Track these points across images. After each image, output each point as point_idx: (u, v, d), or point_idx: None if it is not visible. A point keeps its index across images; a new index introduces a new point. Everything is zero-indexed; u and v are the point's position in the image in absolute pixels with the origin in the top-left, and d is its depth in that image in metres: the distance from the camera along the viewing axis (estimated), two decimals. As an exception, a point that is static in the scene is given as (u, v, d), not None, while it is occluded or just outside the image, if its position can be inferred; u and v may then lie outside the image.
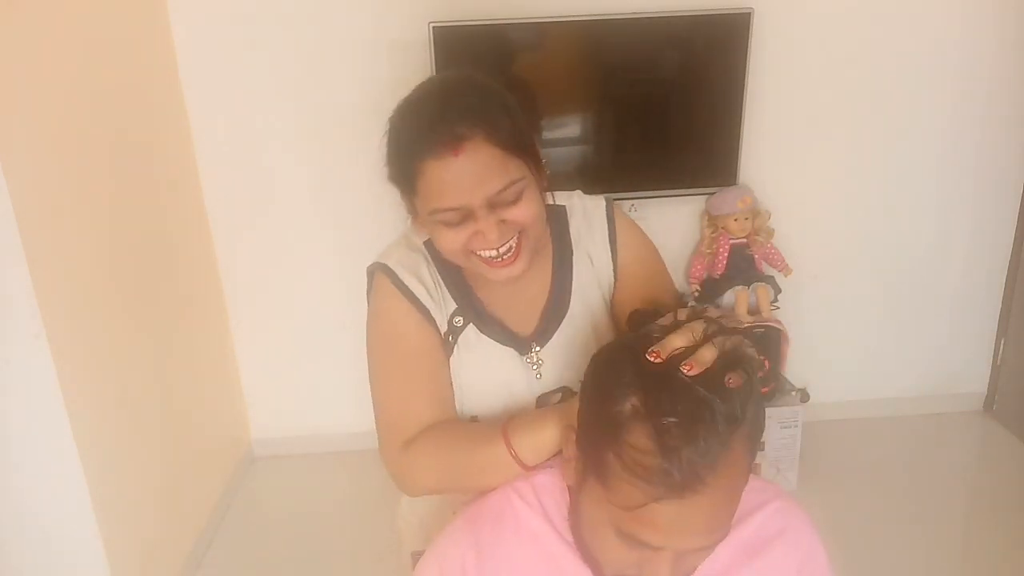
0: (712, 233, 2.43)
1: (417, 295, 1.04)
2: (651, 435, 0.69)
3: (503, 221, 0.93)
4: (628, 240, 1.12)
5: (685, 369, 0.70)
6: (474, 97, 0.93)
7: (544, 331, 1.09)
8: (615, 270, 1.11)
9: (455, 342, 1.07)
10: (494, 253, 0.95)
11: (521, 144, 0.94)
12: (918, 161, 2.51)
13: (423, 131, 0.91)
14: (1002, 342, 2.71)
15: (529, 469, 0.92)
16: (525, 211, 0.94)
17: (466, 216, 0.93)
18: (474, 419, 1.09)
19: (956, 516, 2.34)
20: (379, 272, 1.08)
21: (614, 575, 0.79)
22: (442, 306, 1.06)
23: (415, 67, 2.25)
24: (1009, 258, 2.64)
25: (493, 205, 0.93)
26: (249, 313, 2.55)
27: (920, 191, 2.54)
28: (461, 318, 1.07)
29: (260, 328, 2.57)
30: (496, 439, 0.93)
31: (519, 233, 0.96)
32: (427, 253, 1.08)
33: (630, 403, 0.72)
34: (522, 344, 1.08)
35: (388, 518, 2.29)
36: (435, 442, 1.00)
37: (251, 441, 2.70)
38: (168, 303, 2.15)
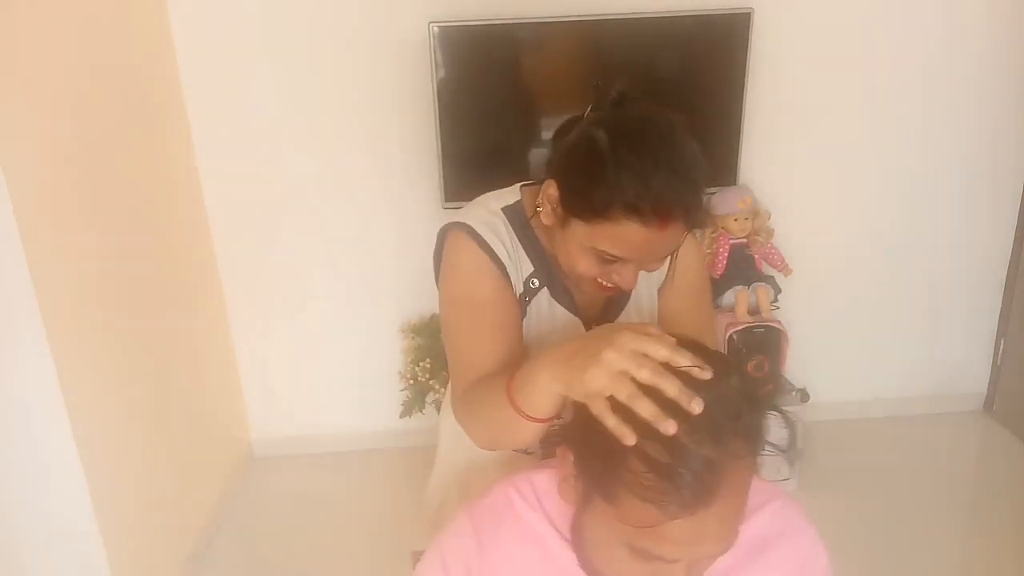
0: (712, 233, 2.43)
1: (496, 251, 1.06)
2: (655, 457, 0.68)
3: (630, 277, 1.00)
4: (689, 251, 1.16)
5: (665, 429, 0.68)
6: (691, 166, 0.99)
7: (607, 313, 1.15)
8: (671, 270, 1.15)
9: (529, 302, 1.11)
10: (612, 286, 1.02)
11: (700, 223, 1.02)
12: (918, 161, 2.51)
13: (645, 190, 0.93)
14: (1002, 342, 2.71)
15: (542, 421, 0.86)
16: (662, 263, 1.04)
17: (618, 258, 0.98)
18: None
19: (956, 516, 2.34)
20: (456, 229, 1.09)
21: None
22: (519, 267, 1.09)
23: (415, 67, 2.25)
24: (1009, 258, 2.64)
25: (643, 267, 1.01)
26: (249, 313, 2.55)
27: (920, 191, 2.54)
28: (537, 280, 1.11)
29: (260, 328, 2.57)
30: (503, 396, 0.88)
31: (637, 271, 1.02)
32: (505, 218, 1.10)
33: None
34: (586, 321, 1.14)
35: (388, 518, 2.30)
36: (475, 394, 0.99)
37: (251, 441, 2.70)
38: (168, 303, 2.15)
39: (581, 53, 2.29)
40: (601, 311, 1.14)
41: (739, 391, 0.72)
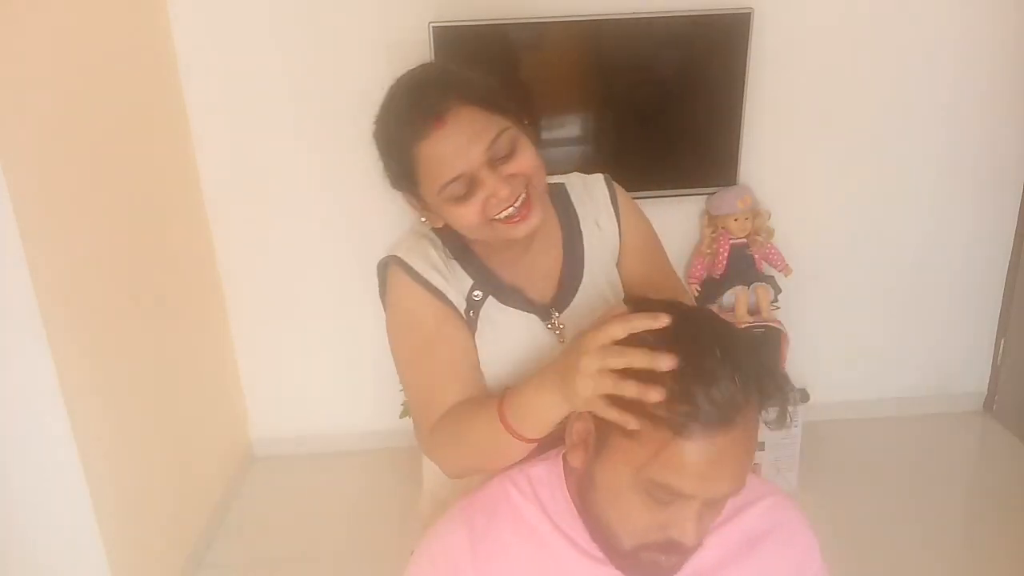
0: (712, 233, 2.43)
1: (429, 279, 1.06)
2: (675, 387, 0.72)
3: (510, 176, 0.96)
4: (628, 209, 1.19)
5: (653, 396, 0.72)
6: (438, 74, 1.01)
7: (562, 297, 1.13)
8: (620, 234, 1.17)
9: (477, 316, 1.09)
10: (511, 210, 0.98)
11: (499, 102, 0.98)
12: (918, 161, 2.51)
13: (405, 122, 0.97)
14: (1002, 342, 2.71)
15: (533, 442, 0.89)
16: (525, 160, 0.98)
17: (471, 184, 0.96)
18: (507, 390, 1.07)
19: (956, 516, 2.34)
20: (391, 264, 1.10)
21: (635, 545, 0.79)
22: (457, 285, 1.08)
23: (415, 67, 2.25)
24: (1009, 258, 2.64)
25: (493, 163, 0.96)
26: (249, 313, 2.55)
27: (920, 191, 2.54)
28: (480, 292, 1.09)
29: (260, 328, 2.57)
30: (495, 420, 0.90)
31: (527, 185, 0.99)
32: (434, 237, 1.11)
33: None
34: (543, 311, 1.11)
35: (388, 518, 2.30)
36: (449, 424, 1.01)
37: (251, 441, 2.70)
38: (168, 303, 2.15)
39: (581, 53, 2.29)
40: (556, 295, 1.12)
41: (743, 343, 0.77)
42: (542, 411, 0.85)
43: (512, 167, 0.97)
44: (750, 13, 2.22)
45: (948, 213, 2.58)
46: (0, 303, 1.53)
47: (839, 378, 2.72)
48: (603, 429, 0.79)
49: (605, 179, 1.20)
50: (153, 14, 2.18)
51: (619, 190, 1.19)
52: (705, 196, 2.45)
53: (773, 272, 2.46)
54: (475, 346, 1.09)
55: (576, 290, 1.13)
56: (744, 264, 2.41)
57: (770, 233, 2.45)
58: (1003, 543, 2.17)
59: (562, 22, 2.21)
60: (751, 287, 2.39)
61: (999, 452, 2.62)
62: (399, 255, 1.09)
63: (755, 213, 2.41)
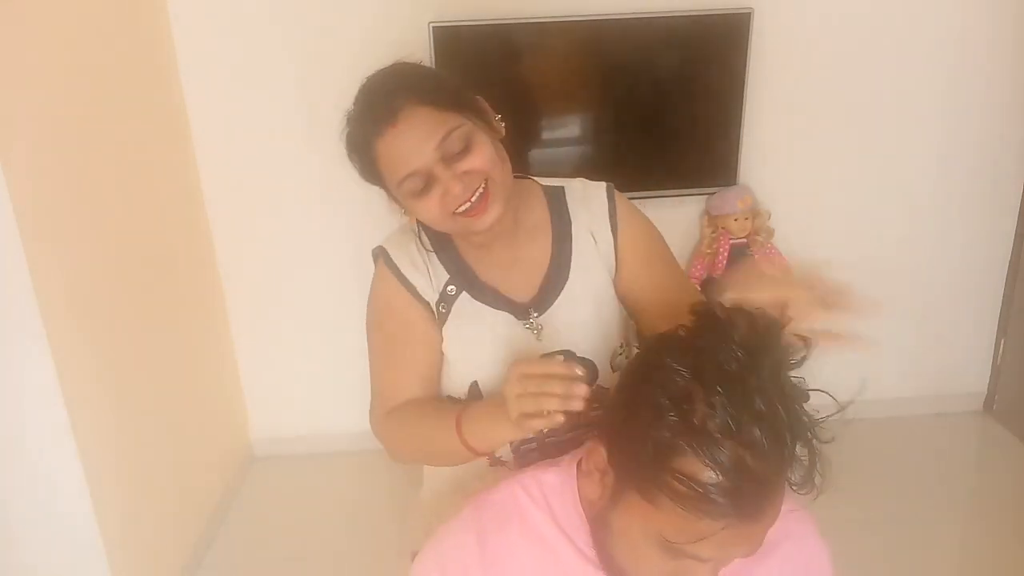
0: (712, 233, 2.43)
1: (405, 273, 1.12)
2: (709, 467, 0.69)
3: (464, 173, 1.00)
4: (628, 221, 1.18)
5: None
6: (394, 76, 1.06)
7: (543, 299, 1.14)
8: (616, 249, 1.16)
9: (448, 310, 1.12)
10: (468, 205, 1.01)
11: (454, 100, 1.02)
12: (918, 161, 2.51)
13: (364, 123, 1.03)
14: (1002, 342, 2.71)
15: (480, 455, 1.01)
16: (479, 156, 1.01)
17: (428, 180, 1.00)
18: (474, 384, 1.15)
19: (956, 516, 2.34)
20: (378, 255, 1.17)
21: None
22: (432, 279, 1.12)
23: (415, 67, 2.25)
24: (1009, 258, 2.64)
25: (447, 160, 0.99)
26: (249, 313, 2.55)
27: (920, 191, 2.54)
28: (454, 287, 1.13)
29: (260, 328, 2.57)
30: (451, 428, 1.01)
31: (485, 181, 1.02)
32: (418, 231, 1.15)
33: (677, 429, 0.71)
34: (519, 310, 1.13)
35: (388, 518, 2.30)
36: (405, 419, 1.12)
37: (251, 441, 2.70)
38: (168, 303, 2.15)
39: (581, 53, 2.29)
40: (537, 296, 1.13)
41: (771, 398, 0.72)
42: (492, 431, 0.97)
43: (466, 164, 1.00)
44: (750, 13, 2.22)
45: (948, 213, 2.57)
46: (0, 303, 1.53)
47: (839, 378, 2.71)
48: (622, 480, 0.77)
49: (607, 189, 1.19)
50: (153, 14, 2.17)
51: (621, 201, 1.18)
52: (705, 196, 2.45)
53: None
54: (440, 344, 1.13)
55: (559, 292, 1.13)
56: (744, 264, 2.40)
57: (770, 233, 2.45)
58: (1003, 543, 2.17)
59: (562, 22, 2.21)
60: (751, 287, 2.39)
61: (999, 452, 2.62)
62: (385, 246, 1.16)
63: (755, 213, 2.41)
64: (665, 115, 2.36)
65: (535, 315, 1.12)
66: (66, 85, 1.72)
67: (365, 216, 2.43)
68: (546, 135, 2.32)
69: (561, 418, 0.84)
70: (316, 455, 2.66)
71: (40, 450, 1.64)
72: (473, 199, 1.01)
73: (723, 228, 2.40)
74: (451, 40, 2.17)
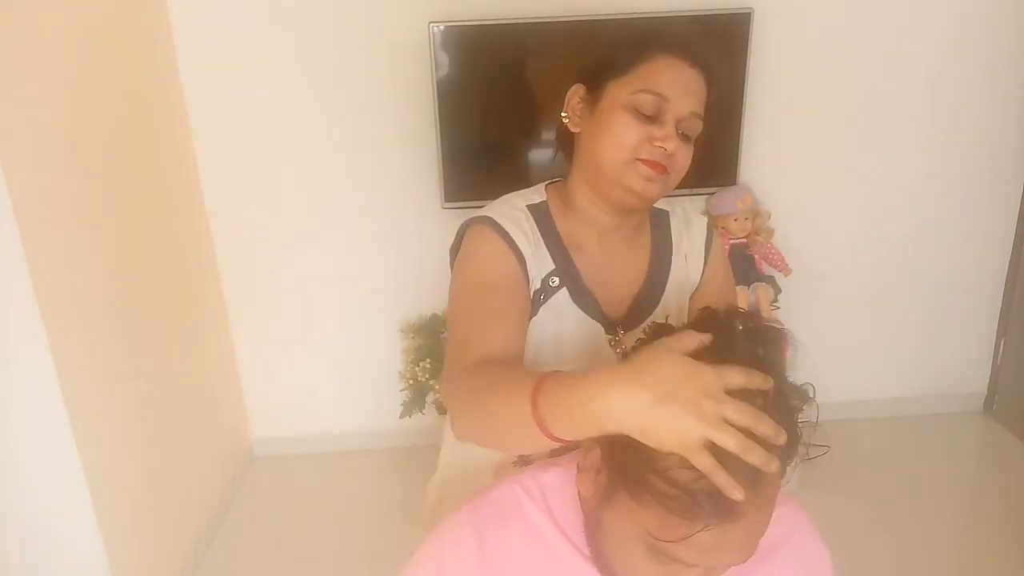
0: (712, 233, 2.42)
1: (517, 241, 1.05)
2: (682, 479, 0.69)
3: (673, 152, 1.03)
4: (717, 258, 1.20)
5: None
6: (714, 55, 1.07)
7: (633, 317, 1.12)
8: (702, 277, 1.18)
9: (544, 301, 1.08)
10: (661, 155, 1.02)
11: (709, 111, 1.07)
12: (918, 161, 2.51)
13: (679, 35, 1.06)
14: (1002, 342, 2.71)
15: (560, 442, 0.76)
16: (686, 156, 1.06)
17: (657, 115, 1.02)
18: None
19: (956, 516, 2.34)
20: (477, 223, 1.08)
21: None
22: (539, 263, 1.07)
23: (415, 67, 2.25)
24: (1009, 258, 2.64)
25: (679, 126, 1.03)
26: (249, 313, 2.55)
27: (920, 191, 2.54)
28: (557, 279, 1.08)
29: (260, 328, 2.57)
30: (525, 396, 0.76)
31: (666, 177, 1.05)
32: (530, 214, 1.10)
33: None
34: (608, 324, 1.10)
35: (388, 518, 2.30)
36: (478, 379, 0.89)
37: (251, 441, 2.70)
38: (168, 303, 2.15)
39: (581, 53, 2.29)
40: (627, 314, 1.12)
41: (775, 405, 0.70)
42: (580, 413, 0.71)
43: (681, 149, 1.04)
44: (750, 13, 2.22)
45: (948, 213, 2.58)
46: (0, 303, 1.53)
47: (839, 378, 2.71)
48: (614, 480, 0.77)
49: (708, 225, 1.22)
50: (153, 14, 2.17)
51: (717, 237, 1.21)
52: (705, 196, 2.45)
53: (773, 272, 2.46)
54: (528, 321, 1.06)
55: (648, 314, 1.13)
56: (744, 264, 2.40)
57: (770, 233, 2.45)
58: (1003, 543, 2.17)
59: (562, 22, 2.21)
60: (751, 287, 2.39)
61: (999, 452, 2.62)
62: (491, 215, 1.07)
63: (755, 213, 2.41)
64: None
65: (622, 332, 1.10)
66: (66, 85, 1.72)
67: (365, 216, 2.44)
68: (546, 135, 2.32)
69: (774, 467, 0.67)
70: (316, 455, 2.66)
71: (40, 450, 1.64)
72: (664, 159, 1.03)
73: (723, 228, 2.40)
74: (451, 40, 2.17)
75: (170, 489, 2.10)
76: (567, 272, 1.09)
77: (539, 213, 1.11)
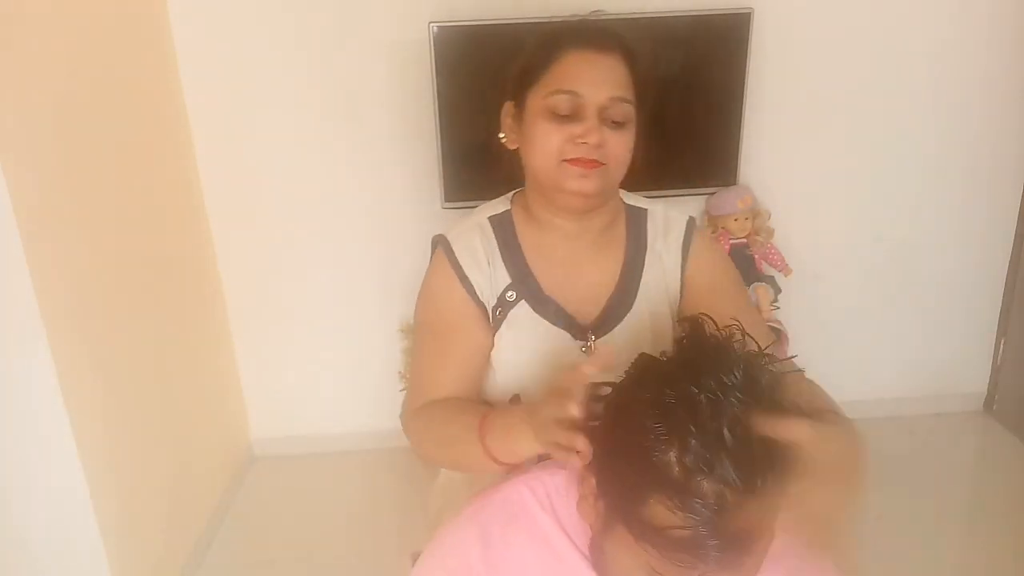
0: (712, 233, 2.42)
1: (465, 269, 1.08)
2: (685, 520, 0.67)
3: (602, 142, 1.01)
4: (701, 253, 1.15)
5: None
6: (622, 35, 1.07)
7: (604, 323, 1.11)
8: (682, 279, 1.13)
9: (504, 316, 1.08)
10: (586, 150, 1.00)
11: (644, 87, 1.05)
12: (918, 161, 2.51)
13: (576, 33, 1.05)
14: (1002, 342, 2.71)
15: (505, 467, 0.94)
16: (620, 143, 1.02)
17: (575, 113, 1.01)
18: (516, 397, 1.11)
19: (956, 516, 2.34)
20: (439, 243, 1.12)
21: None
22: (493, 280, 1.09)
23: (415, 67, 2.25)
24: (1009, 258, 2.64)
25: (603, 116, 1.01)
26: (249, 313, 2.55)
27: (920, 191, 2.54)
28: (514, 293, 1.09)
29: (260, 328, 2.57)
30: (474, 434, 0.95)
31: (602, 165, 1.02)
32: (487, 228, 1.12)
33: (666, 463, 0.68)
34: (578, 330, 1.09)
35: (388, 518, 2.30)
36: (432, 417, 1.05)
37: (251, 441, 2.70)
38: (168, 303, 2.15)
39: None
40: (600, 317, 1.10)
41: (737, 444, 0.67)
42: (515, 444, 0.90)
43: (612, 137, 1.01)
44: (750, 13, 2.22)
45: (948, 213, 2.57)
46: (0, 303, 1.53)
47: (839, 378, 2.71)
48: (611, 512, 0.76)
49: (688, 222, 1.17)
50: (153, 15, 2.17)
51: (699, 235, 1.16)
52: (705, 196, 2.45)
53: (773, 272, 2.46)
54: (488, 349, 1.09)
55: (620, 320, 1.10)
56: (744, 264, 2.40)
57: (770, 233, 2.45)
58: (1003, 543, 2.17)
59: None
60: (751, 287, 2.39)
61: (999, 452, 2.62)
62: (448, 237, 1.11)
63: (755, 213, 2.41)
64: (665, 115, 2.35)
65: (593, 338, 1.09)
66: (66, 85, 1.72)
67: (366, 216, 2.44)
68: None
69: (576, 462, 0.78)
70: (316, 455, 2.66)
71: (40, 450, 1.64)
72: (591, 155, 1.01)
73: (723, 228, 2.40)
74: (451, 40, 2.16)
75: (170, 489, 2.10)
76: (524, 283, 1.09)
77: (501, 224, 1.11)
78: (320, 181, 2.41)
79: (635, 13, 2.20)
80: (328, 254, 2.49)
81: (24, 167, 1.52)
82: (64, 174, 1.68)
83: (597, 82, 1.01)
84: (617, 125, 1.02)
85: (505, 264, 1.09)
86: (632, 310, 1.11)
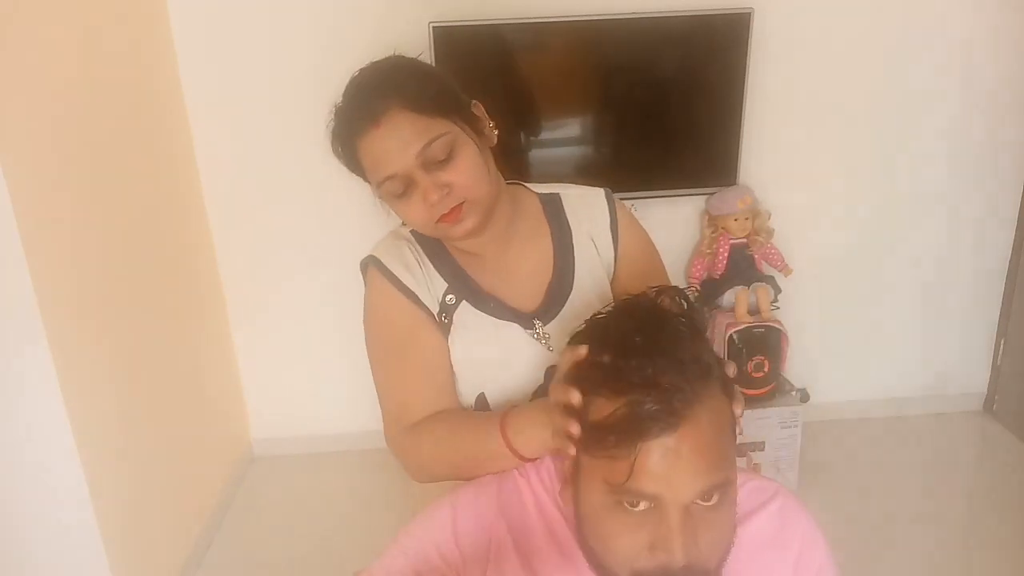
0: (712, 233, 2.42)
1: (403, 280, 1.08)
2: (623, 378, 0.75)
3: (444, 184, 0.99)
4: (628, 230, 1.17)
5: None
6: (384, 75, 1.02)
7: (548, 308, 1.12)
8: (616, 256, 1.16)
9: (450, 321, 1.09)
10: (443, 205, 1.00)
11: (441, 105, 1.00)
12: (918, 161, 2.51)
13: (348, 120, 1.03)
14: (1002, 342, 2.71)
15: (528, 460, 0.95)
16: (461, 167, 1.00)
17: (408, 184, 1.00)
18: (481, 396, 1.12)
19: (956, 516, 2.34)
20: (368, 265, 1.13)
21: (629, 573, 0.78)
22: (430, 287, 1.09)
23: (415, 67, 2.25)
24: (1009, 258, 2.64)
25: (428, 166, 0.99)
26: (249, 313, 2.55)
27: (920, 191, 2.54)
28: (453, 296, 1.10)
29: (260, 328, 2.57)
30: (494, 433, 0.95)
31: (464, 197, 1.01)
32: (411, 239, 1.13)
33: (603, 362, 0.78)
34: (525, 320, 1.11)
35: (388, 518, 2.30)
36: (437, 433, 1.04)
37: (251, 441, 2.70)
38: (168, 303, 2.15)
39: (581, 53, 2.29)
40: (543, 304, 1.12)
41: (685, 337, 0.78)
42: (541, 436, 0.90)
43: (447, 174, 0.99)
44: (750, 13, 2.22)
45: (948, 213, 2.58)
46: (0, 303, 1.53)
47: (839, 378, 2.72)
48: (577, 456, 0.81)
49: (606, 194, 1.18)
50: (153, 14, 2.18)
51: (619, 206, 1.18)
52: (705, 196, 2.45)
53: (773, 272, 2.46)
54: (448, 349, 1.09)
55: (564, 302, 1.12)
56: (744, 264, 2.40)
57: (770, 233, 2.45)
58: (1003, 543, 2.17)
59: (562, 22, 2.21)
60: (751, 287, 2.39)
61: (999, 452, 2.62)
62: (376, 255, 1.12)
63: (755, 213, 2.41)
64: (665, 115, 2.36)
65: (539, 324, 1.10)
66: (66, 85, 1.72)
67: (365, 216, 2.43)
68: (546, 135, 2.32)
69: (571, 449, 0.81)
70: (316, 455, 2.66)
71: (40, 450, 1.64)
72: (446, 205, 1.00)
73: (723, 228, 2.40)
74: (451, 40, 2.16)
75: (170, 489, 2.10)
76: (461, 285, 1.10)
77: (423, 236, 1.12)
78: (320, 181, 2.41)
79: (635, 13, 2.20)
80: (328, 254, 2.49)
81: (24, 167, 1.52)
82: (64, 174, 1.69)
83: (396, 152, 0.98)
84: (445, 161, 0.99)
85: (439, 271, 1.11)
86: (573, 291, 1.13)
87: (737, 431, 0.81)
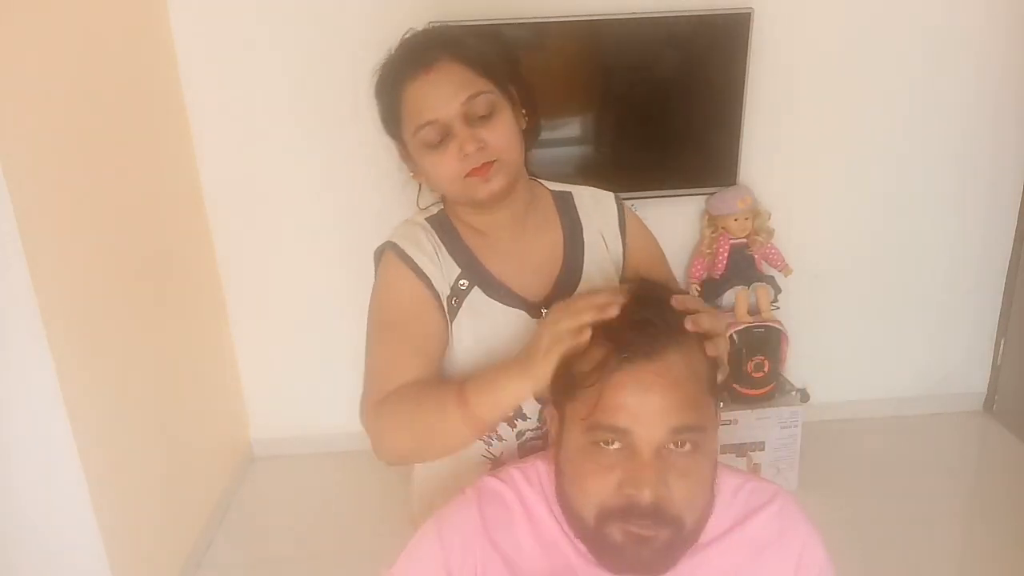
0: (712, 233, 2.43)
1: (419, 263, 1.10)
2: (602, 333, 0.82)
3: (480, 140, 1.01)
4: (635, 232, 1.21)
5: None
6: (438, 32, 1.10)
7: (556, 298, 1.11)
8: (625, 253, 1.19)
9: (459, 305, 1.11)
10: (475, 159, 1.02)
11: (491, 69, 1.04)
12: (918, 161, 2.51)
13: (398, 65, 1.07)
14: (1002, 342, 2.71)
15: (486, 427, 0.98)
16: (500, 127, 1.03)
17: (444, 134, 1.02)
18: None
19: (956, 516, 2.34)
20: (385, 250, 1.15)
21: (596, 512, 0.80)
22: (444, 271, 1.11)
23: (415, 67, 2.25)
24: (1009, 258, 2.64)
25: (469, 119, 1.02)
26: (249, 313, 2.55)
27: (920, 191, 2.54)
28: (466, 281, 1.11)
29: (260, 328, 2.57)
30: (451, 398, 0.96)
31: (495, 160, 1.03)
32: (427, 226, 1.15)
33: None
34: (532, 308, 1.12)
35: (388, 518, 2.30)
36: (399, 401, 1.03)
37: (251, 441, 2.70)
38: (168, 303, 2.16)
39: (581, 53, 2.29)
40: (550, 295, 1.13)
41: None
42: (504, 391, 0.92)
43: (485, 131, 1.02)
44: (750, 13, 2.22)
45: (948, 213, 2.58)
46: (0, 303, 1.53)
47: (839, 378, 2.72)
48: (560, 406, 0.85)
49: (615, 198, 1.22)
50: (153, 15, 2.18)
51: (627, 210, 1.22)
52: (705, 196, 2.45)
53: (773, 272, 2.46)
54: (448, 335, 1.11)
55: (573, 292, 1.13)
56: (744, 264, 2.41)
57: (770, 233, 2.45)
58: (1003, 543, 2.17)
59: (562, 22, 2.21)
60: (751, 287, 2.39)
61: (999, 452, 2.62)
62: (393, 240, 1.14)
63: (755, 213, 2.41)
64: (665, 115, 2.36)
65: (546, 312, 1.12)
66: (66, 85, 1.72)
67: (365, 216, 2.44)
68: (546, 135, 2.28)
69: (588, 334, 0.83)
70: (316, 455, 2.66)
71: (40, 451, 1.64)
72: (480, 158, 1.03)
73: (723, 228, 2.40)
74: (451, 40, 2.16)
75: (170, 489, 2.10)
76: (474, 271, 1.12)
77: (439, 223, 1.14)
78: (320, 181, 2.42)
79: (635, 13, 2.20)
80: (328, 254, 2.49)
81: (24, 167, 1.52)
82: (64, 174, 1.69)
83: (443, 98, 1.02)
84: (485, 118, 1.03)
85: (452, 256, 1.12)
86: (582, 283, 1.15)
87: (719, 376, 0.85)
